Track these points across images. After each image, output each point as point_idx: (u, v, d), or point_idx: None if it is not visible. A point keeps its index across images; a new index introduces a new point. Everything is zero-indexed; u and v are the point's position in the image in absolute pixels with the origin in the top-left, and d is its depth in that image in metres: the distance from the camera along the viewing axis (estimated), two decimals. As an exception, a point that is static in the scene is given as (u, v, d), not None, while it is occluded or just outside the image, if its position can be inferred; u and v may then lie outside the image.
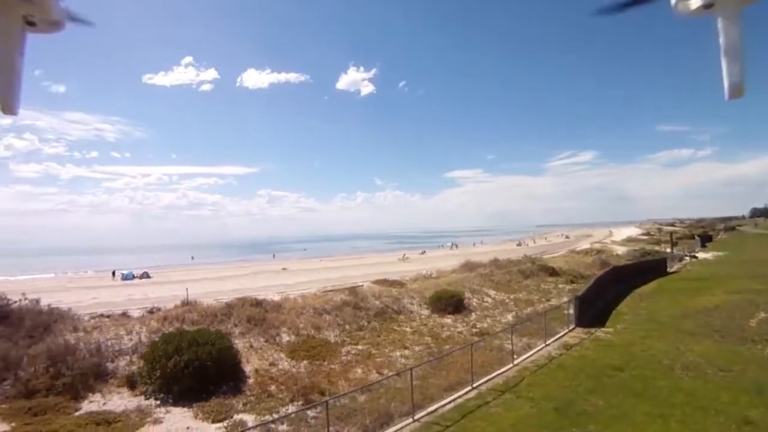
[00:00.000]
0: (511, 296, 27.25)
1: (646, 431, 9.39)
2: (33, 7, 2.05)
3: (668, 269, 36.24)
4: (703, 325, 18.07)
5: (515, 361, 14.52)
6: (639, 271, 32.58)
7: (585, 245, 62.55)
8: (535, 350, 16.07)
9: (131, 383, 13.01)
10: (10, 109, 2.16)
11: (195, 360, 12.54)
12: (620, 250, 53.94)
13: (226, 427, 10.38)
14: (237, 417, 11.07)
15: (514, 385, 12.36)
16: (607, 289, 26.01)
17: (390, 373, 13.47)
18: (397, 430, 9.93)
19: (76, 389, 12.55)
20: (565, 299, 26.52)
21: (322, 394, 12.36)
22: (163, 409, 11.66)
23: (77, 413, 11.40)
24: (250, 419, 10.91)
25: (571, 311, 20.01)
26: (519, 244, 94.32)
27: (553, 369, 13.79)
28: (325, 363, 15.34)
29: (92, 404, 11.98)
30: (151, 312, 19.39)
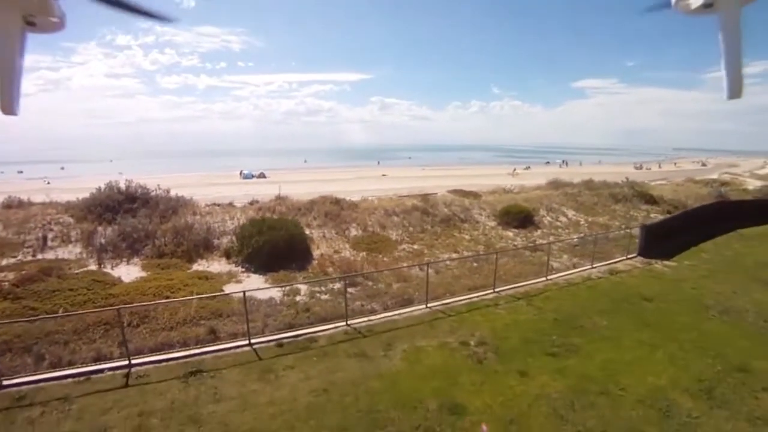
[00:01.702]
0: (590, 219, 26.32)
1: (626, 354, 9.72)
2: (33, 7, 2.08)
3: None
4: None
5: (549, 276, 15.18)
6: (758, 209, 28.14)
7: (713, 175, 53.99)
8: (576, 270, 16.36)
9: (228, 255, 16.87)
10: (10, 110, 2.13)
11: (270, 241, 15.75)
12: (755, 184, 45.81)
13: (282, 288, 13.40)
14: (294, 285, 14.08)
15: (534, 296, 13.30)
16: (706, 223, 23.55)
17: (414, 264, 15.29)
18: (410, 311, 11.93)
19: (191, 255, 16.76)
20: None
21: (365, 277, 14.80)
22: (245, 275, 15.21)
23: (189, 271, 15.48)
24: (303, 288, 13.82)
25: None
26: (639, 167, 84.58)
27: (581, 288, 14.21)
28: (380, 256, 17.67)
29: (200, 266, 16.05)
30: (251, 203, 23.53)
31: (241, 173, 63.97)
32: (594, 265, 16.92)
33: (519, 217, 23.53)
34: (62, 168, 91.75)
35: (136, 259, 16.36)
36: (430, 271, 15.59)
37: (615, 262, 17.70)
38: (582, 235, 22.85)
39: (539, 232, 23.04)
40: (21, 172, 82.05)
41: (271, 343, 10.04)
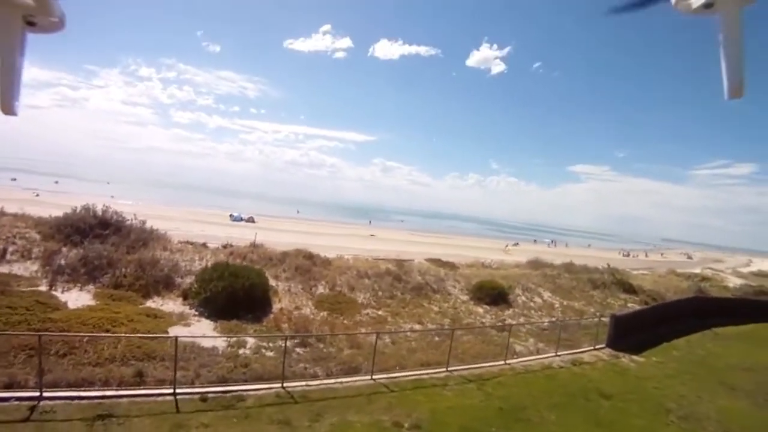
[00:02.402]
0: (565, 302, 26.11)
1: None
2: (33, 7, 2.06)
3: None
4: (759, 384, 15.53)
5: (508, 360, 14.72)
6: (736, 307, 28.20)
7: (695, 269, 54.57)
8: (538, 356, 15.93)
9: (185, 296, 16.36)
10: (9, 110, 2.12)
11: (229, 287, 15.36)
12: (736, 281, 46.19)
13: (227, 340, 12.82)
14: (241, 337, 13.51)
15: (487, 379, 12.79)
16: (680, 319, 23.43)
17: (364, 332, 14.83)
18: (353, 380, 11.37)
19: (148, 291, 16.25)
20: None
21: (319, 340, 14.26)
22: (196, 318, 14.67)
23: (140, 306, 14.92)
24: (251, 341, 13.24)
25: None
26: (626, 255, 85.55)
27: (539, 377, 13.75)
28: (341, 318, 17.19)
29: (153, 303, 15.49)
30: (224, 247, 23.28)
31: (231, 215, 64.02)
32: (558, 353, 16.49)
33: (492, 294, 23.26)
34: (56, 182, 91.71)
35: (90, 287, 15.85)
36: (387, 340, 15.23)
37: (581, 352, 17.30)
38: (554, 319, 22.54)
39: (510, 311, 22.69)
40: (14, 179, 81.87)
41: (196, 396, 9.44)
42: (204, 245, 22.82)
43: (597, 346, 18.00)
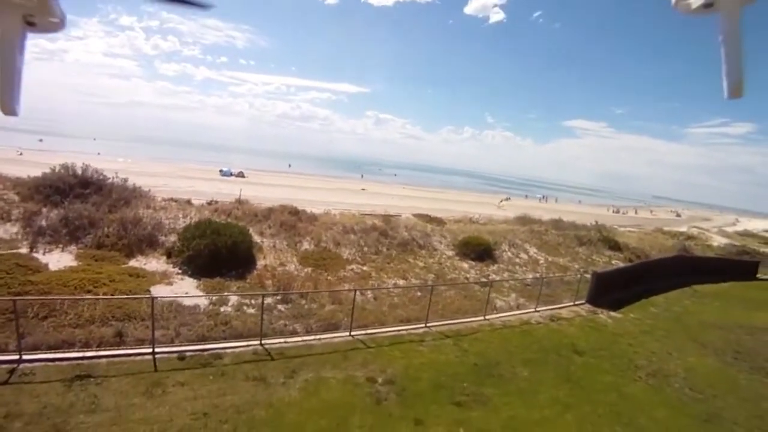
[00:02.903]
0: (550, 258, 26.55)
1: (535, 413, 9.47)
2: (33, 7, 2.07)
3: (758, 275, 31.27)
4: (729, 342, 16.00)
5: (487, 316, 15.07)
6: (717, 267, 28.84)
7: (682, 228, 55.38)
8: (517, 312, 16.32)
9: (169, 254, 16.38)
10: (9, 110, 2.12)
11: (211, 245, 15.34)
12: (720, 241, 47.06)
13: (209, 297, 12.98)
14: (224, 295, 13.66)
15: (464, 335, 13.12)
16: (662, 278, 23.95)
17: (348, 287, 15.04)
18: (331, 337, 11.63)
19: (131, 250, 16.20)
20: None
21: (302, 296, 14.47)
22: (179, 277, 14.74)
23: (123, 266, 14.93)
24: (234, 299, 13.41)
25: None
26: (616, 212, 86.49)
27: (515, 332, 14.12)
28: (325, 274, 17.36)
29: (136, 262, 15.50)
30: (209, 203, 23.08)
31: (221, 171, 63.24)
32: (537, 309, 16.89)
33: (478, 250, 23.53)
34: (40, 140, 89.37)
35: (73, 248, 15.77)
36: (369, 296, 15.49)
37: (560, 308, 17.73)
38: (538, 274, 22.98)
39: (495, 267, 23.06)
40: (-3, 138, 79.67)
41: (174, 355, 9.63)
42: (188, 202, 22.59)
43: (577, 302, 18.45)
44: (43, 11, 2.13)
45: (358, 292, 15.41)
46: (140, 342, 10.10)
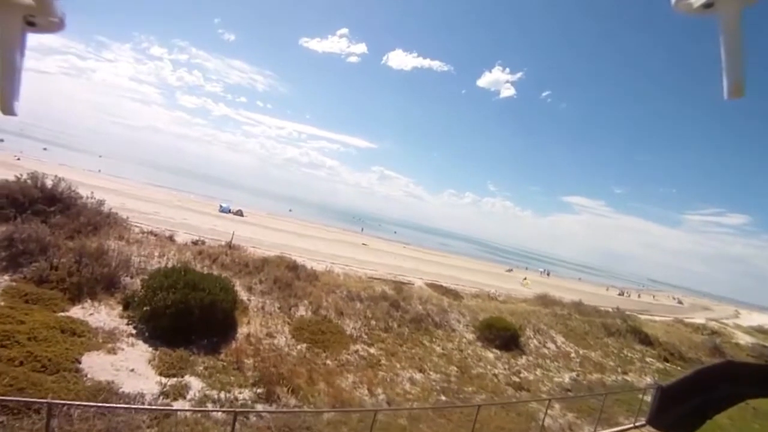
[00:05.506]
0: (581, 351, 22.62)
1: None
2: (33, 7, 1.89)
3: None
4: None
5: (539, 443, 11.14)
6: (765, 375, 24.97)
7: (698, 319, 51.35)
8: (574, 437, 12.38)
9: (126, 304, 12.63)
10: (9, 110, 1.98)
11: (181, 303, 11.61)
12: (744, 339, 43.08)
13: (161, 384, 9.11)
14: (186, 379, 9.81)
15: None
16: (713, 387, 20.14)
17: (358, 408, 11.01)
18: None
19: (80, 291, 12.43)
20: (649, 380, 21.34)
21: (293, 392, 10.59)
22: (131, 340, 10.91)
23: (59, 314, 11.14)
24: (197, 386, 9.58)
25: (648, 399, 15.52)
26: (621, 294, 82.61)
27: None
28: (324, 355, 13.51)
29: (81, 310, 11.70)
30: (195, 243, 19.51)
31: (220, 206, 60.01)
32: (595, 433, 12.96)
33: (503, 335, 19.67)
34: (45, 149, 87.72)
35: (6, 277, 12.09)
36: (380, 396, 11.61)
37: (623, 430, 13.81)
38: (574, 374, 19.16)
39: (524, 359, 19.13)
40: (2, 140, 77.47)
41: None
42: (170, 238, 19.01)
43: (637, 424, 14.50)
44: (44, 11, 1.93)
45: (365, 389, 11.65)
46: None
